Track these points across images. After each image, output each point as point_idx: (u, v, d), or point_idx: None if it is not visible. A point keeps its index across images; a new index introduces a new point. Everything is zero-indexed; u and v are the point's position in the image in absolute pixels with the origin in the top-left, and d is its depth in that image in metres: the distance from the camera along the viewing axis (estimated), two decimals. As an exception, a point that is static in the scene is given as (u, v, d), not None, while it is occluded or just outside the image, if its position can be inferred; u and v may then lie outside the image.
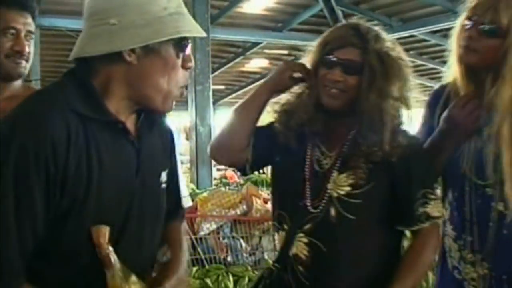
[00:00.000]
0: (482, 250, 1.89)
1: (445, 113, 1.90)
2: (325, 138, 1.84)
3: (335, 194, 1.75)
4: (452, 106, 1.89)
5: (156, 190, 1.46)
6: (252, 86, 16.54)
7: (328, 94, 1.76)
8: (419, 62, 12.99)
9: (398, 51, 1.79)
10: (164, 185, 1.49)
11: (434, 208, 1.76)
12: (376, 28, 1.81)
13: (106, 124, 1.31)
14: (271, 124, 1.91)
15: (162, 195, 1.49)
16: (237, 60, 12.76)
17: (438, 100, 2.02)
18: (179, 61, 1.35)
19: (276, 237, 1.85)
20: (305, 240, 1.76)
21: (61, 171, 1.21)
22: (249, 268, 4.85)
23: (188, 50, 1.37)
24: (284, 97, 1.89)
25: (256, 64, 12.53)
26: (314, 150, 1.84)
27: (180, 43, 1.34)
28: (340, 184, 1.75)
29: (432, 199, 1.76)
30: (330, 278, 1.74)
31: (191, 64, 1.38)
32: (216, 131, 2.49)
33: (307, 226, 1.76)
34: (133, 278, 1.34)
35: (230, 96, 16.90)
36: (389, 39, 1.80)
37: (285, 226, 1.82)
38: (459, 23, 1.88)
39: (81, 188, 1.24)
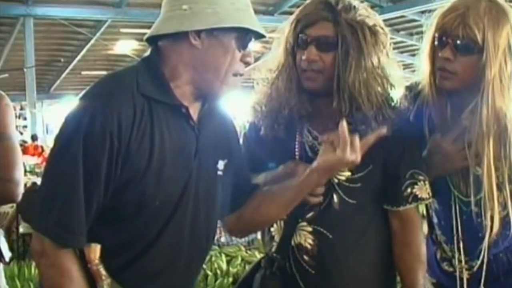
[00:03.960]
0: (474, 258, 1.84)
1: (434, 141, 1.80)
2: (314, 122, 1.74)
3: (335, 180, 1.69)
4: (442, 138, 1.78)
5: (212, 175, 1.55)
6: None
7: (306, 77, 1.67)
8: (410, 42, 13.09)
9: (374, 19, 1.68)
10: (220, 173, 1.57)
11: (422, 189, 1.71)
12: None
13: (171, 107, 1.44)
14: (252, 136, 1.85)
15: (217, 182, 1.57)
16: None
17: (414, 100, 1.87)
18: (240, 54, 1.47)
19: (273, 228, 1.78)
20: (309, 228, 1.71)
21: (124, 145, 1.34)
22: (242, 248, 5.00)
23: (250, 47, 1.50)
24: (257, 98, 1.80)
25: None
26: (304, 135, 1.75)
27: (242, 38, 1.47)
28: (340, 170, 1.67)
29: (420, 180, 1.70)
30: (336, 264, 1.70)
31: (250, 59, 1.51)
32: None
33: (309, 215, 1.71)
34: None
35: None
36: (364, 7, 1.69)
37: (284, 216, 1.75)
38: (427, 40, 1.76)
39: (143, 163, 1.37)
